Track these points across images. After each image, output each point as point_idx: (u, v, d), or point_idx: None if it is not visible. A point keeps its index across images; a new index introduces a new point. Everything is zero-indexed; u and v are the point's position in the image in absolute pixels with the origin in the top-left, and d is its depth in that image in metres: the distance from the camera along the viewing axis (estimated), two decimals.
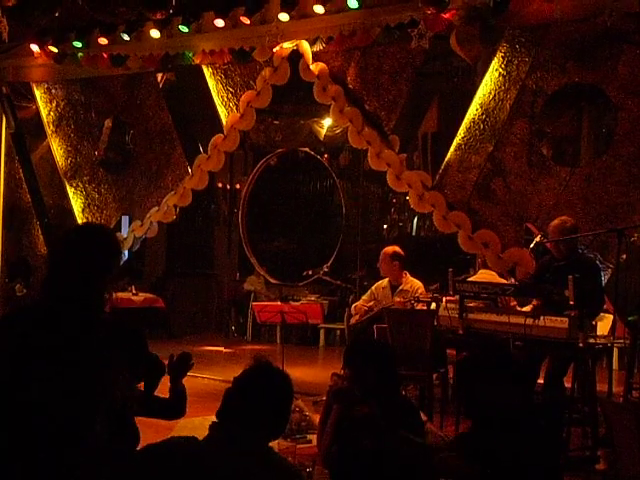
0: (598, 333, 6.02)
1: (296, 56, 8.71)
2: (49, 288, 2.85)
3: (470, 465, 3.10)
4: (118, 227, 10.65)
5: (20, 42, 10.10)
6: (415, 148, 12.81)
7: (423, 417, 4.43)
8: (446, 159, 8.11)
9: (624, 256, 6.12)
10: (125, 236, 10.17)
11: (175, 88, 10.68)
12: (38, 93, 10.90)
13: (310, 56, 8.61)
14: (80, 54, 9.99)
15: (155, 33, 9.36)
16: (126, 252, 10.20)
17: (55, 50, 10.11)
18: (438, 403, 6.96)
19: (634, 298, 6.29)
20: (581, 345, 5.56)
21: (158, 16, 8.74)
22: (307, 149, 13.35)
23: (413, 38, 7.74)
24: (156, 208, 9.94)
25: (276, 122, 13.45)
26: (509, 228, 7.75)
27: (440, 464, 3.12)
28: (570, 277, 5.58)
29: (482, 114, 7.82)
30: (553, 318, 5.66)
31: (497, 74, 7.70)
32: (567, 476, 5.34)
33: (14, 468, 2.65)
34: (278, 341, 11.98)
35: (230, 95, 9.37)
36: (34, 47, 10.17)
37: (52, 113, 10.86)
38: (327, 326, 12.47)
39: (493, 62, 7.72)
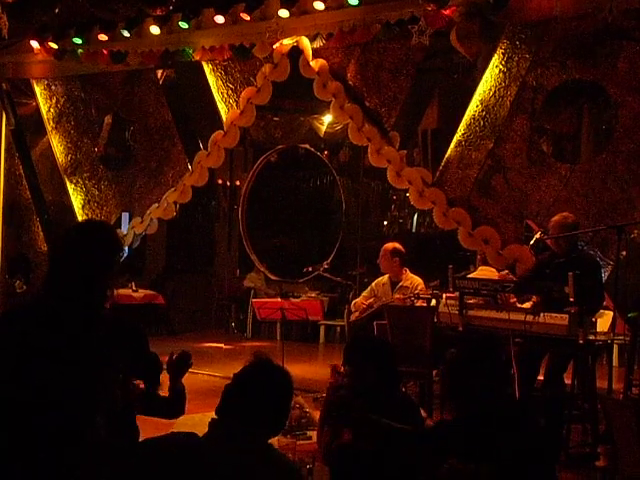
0: (598, 330, 6.02)
1: (296, 52, 8.70)
2: (50, 286, 2.85)
3: (478, 466, 3.12)
4: (118, 224, 10.64)
5: (20, 38, 10.08)
6: (415, 145, 12.79)
7: (423, 414, 4.44)
8: (446, 156, 8.11)
9: (624, 253, 6.12)
10: (125, 233, 10.16)
11: (175, 84, 10.67)
12: (38, 89, 10.89)
13: (310, 52, 8.60)
14: (80, 50, 9.98)
15: (155, 29, 9.35)
16: (126, 249, 10.19)
17: (55, 46, 10.10)
18: (438, 400, 6.96)
19: (634, 295, 6.29)
20: (581, 342, 5.56)
21: (158, 12, 8.72)
22: (307, 146, 13.33)
23: (413, 34, 7.73)
24: (156, 205, 9.94)
25: (276, 118, 13.45)
26: (509, 225, 7.75)
27: (450, 473, 3.14)
28: (570, 274, 5.58)
29: (482, 111, 7.81)
30: (553, 315, 5.66)
31: (497, 71, 7.70)
32: (567, 473, 5.37)
33: (14, 468, 2.65)
34: (278, 338, 11.99)
35: (230, 91, 9.36)
36: (34, 43, 10.16)
37: (52, 109, 10.85)
38: (327, 323, 12.48)
39: (493, 59, 7.72)
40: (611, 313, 6.88)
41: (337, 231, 13.64)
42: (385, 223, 15.52)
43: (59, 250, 2.93)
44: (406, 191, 8.74)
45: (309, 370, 9.37)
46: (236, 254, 15.29)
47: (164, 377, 3.78)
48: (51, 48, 10.13)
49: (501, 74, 7.69)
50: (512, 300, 6.27)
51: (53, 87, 10.83)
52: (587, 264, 6.20)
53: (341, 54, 8.56)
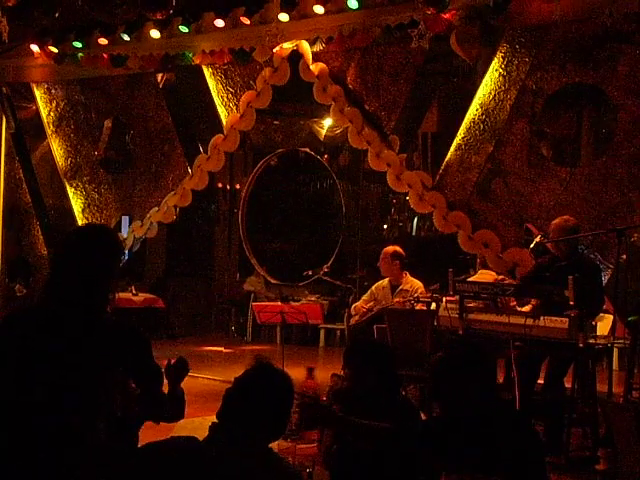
0: (598, 333, 6.03)
1: (296, 56, 8.70)
2: (51, 289, 2.85)
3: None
4: (118, 227, 10.65)
5: (20, 42, 10.10)
6: (415, 148, 12.80)
7: (423, 417, 4.44)
8: (446, 159, 8.11)
9: (624, 256, 6.11)
10: (125, 236, 10.17)
11: (175, 88, 10.67)
12: (38, 93, 10.90)
13: (310, 56, 8.61)
14: (80, 54, 9.99)
15: (155, 33, 9.36)
16: (126, 252, 10.20)
17: (55, 50, 10.11)
18: None
19: (634, 298, 6.28)
20: (581, 345, 5.56)
21: (158, 16, 8.73)
22: (307, 149, 13.34)
23: (413, 38, 7.74)
24: (156, 208, 9.94)
25: (276, 122, 13.46)
26: (509, 228, 7.75)
27: None
28: (570, 277, 5.58)
29: (482, 114, 7.81)
30: (553, 318, 5.65)
31: (497, 74, 7.70)
32: (567, 476, 5.36)
33: (14, 468, 2.66)
34: (278, 341, 11.98)
35: (230, 95, 9.37)
36: (34, 47, 10.17)
37: (52, 113, 10.86)
38: (327, 326, 12.47)
39: (493, 62, 7.72)
40: (611, 317, 6.88)
41: (337, 235, 13.64)
42: (385, 227, 15.53)
43: (60, 254, 2.94)
44: (406, 195, 8.74)
45: None
46: (236, 258, 15.30)
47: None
48: (51, 52, 10.14)
49: (501, 78, 7.69)
50: (512, 304, 6.27)
51: (53, 91, 10.83)
52: (587, 268, 6.20)
53: (341, 58, 8.56)
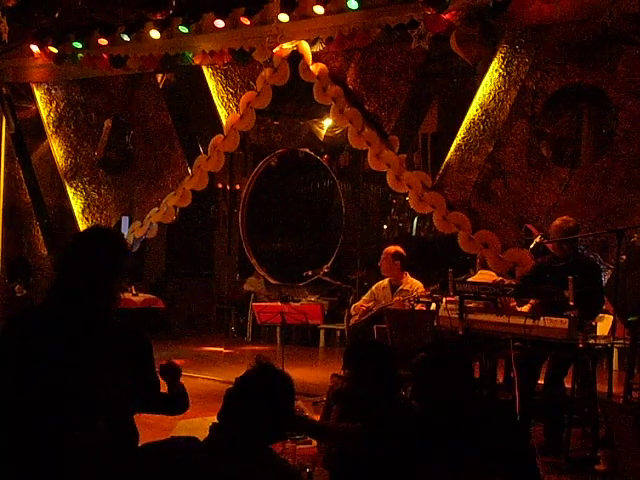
0: (598, 334, 6.03)
1: (296, 57, 8.70)
2: (55, 290, 2.86)
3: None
4: (118, 228, 10.64)
5: (20, 43, 10.10)
6: (415, 149, 12.81)
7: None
8: (446, 159, 8.11)
9: (624, 257, 6.12)
10: (125, 237, 10.17)
11: (175, 89, 10.67)
12: (38, 94, 10.90)
13: (310, 57, 8.60)
14: (80, 55, 9.98)
15: (155, 34, 9.35)
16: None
17: (55, 51, 10.11)
18: None
19: (634, 299, 6.28)
20: (581, 346, 5.55)
21: (158, 17, 8.74)
22: (307, 150, 13.34)
23: (413, 39, 7.74)
24: (156, 209, 9.94)
25: (276, 123, 13.47)
26: (509, 229, 7.75)
27: None
28: (570, 278, 5.57)
29: (482, 115, 7.81)
30: (553, 319, 5.65)
31: (497, 75, 7.70)
32: (567, 476, 5.37)
33: (14, 468, 2.66)
34: (278, 342, 11.98)
35: (230, 96, 9.36)
36: (34, 48, 10.17)
37: (52, 114, 10.86)
38: (327, 327, 12.48)
39: (493, 63, 7.72)
40: (611, 317, 6.88)
41: (337, 235, 13.64)
42: (385, 227, 15.54)
43: (64, 255, 2.95)
44: (406, 195, 8.74)
45: (309, 374, 9.37)
46: (236, 258, 15.30)
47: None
48: (51, 52, 10.14)
49: (501, 78, 7.69)
50: (512, 304, 6.27)
51: (53, 91, 10.83)
52: (587, 268, 6.20)
53: (341, 58, 8.56)
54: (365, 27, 8.17)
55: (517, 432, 3.40)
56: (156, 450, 2.72)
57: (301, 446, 4.83)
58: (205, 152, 9.61)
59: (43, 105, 10.90)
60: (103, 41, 9.74)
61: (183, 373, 3.48)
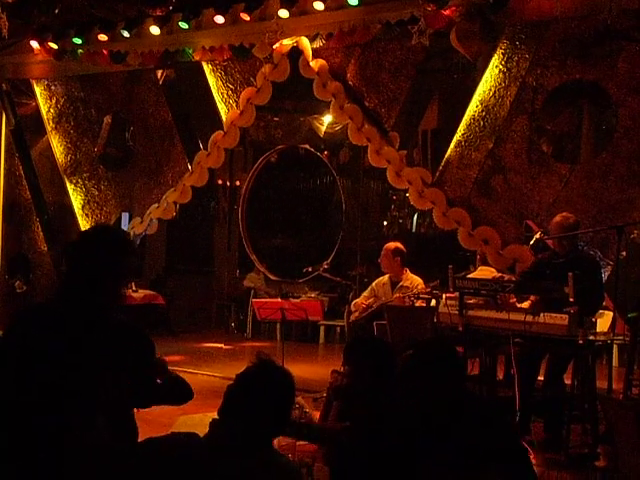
0: (598, 330, 6.02)
1: (296, 53, 8.70)
2: (57, 289, 2.87)
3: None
4: (118, 224, 10.64)
5: (20, 39, 10.10)
6: (415, 145, 12.80)
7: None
8: (446, 156, 8.11)
9: (624, 253, 6.12)
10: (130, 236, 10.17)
11: (175, 85, 10.67)
12: (38, 90, 10.90)
13: (310, 53, 8.60)
14: (80, 51, 9.98)
15: (155, 30, 9.35)
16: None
17: (55, 47, 10.10)
18: None
19: (634, 295, 6.29)
20: (581, 342, 5.56)
21: (158, 13, 8.74)
22: (307, 146, 13.33)
23: (413, 35, 7.73)
24: (156, 205, 9.94)
25: (276, 119, 13.46)
26: (509, 225, 7.75)
27: None
28: (570, 274, 5.57)
29: (482, 111, 7.81)
30: (553, 315, 5.65)
31: (497, 71, 7.70)
32: (567, 473, 5.37)
33: (14, 468, 2.66)
34: (278, 338, 11.98)
35: (230, 92, 9.36)
36: (34, 44, 10.16)
37: (52, 110, 10.86)
38: (327, 323, 12.47)
39: (493, 59, 7.72)
40: (611, 313, 6.88)
41: (337, 231, 13.63)
42: (385, 223, 15.52)
43: (67, 254, 2.96)
44: (406, 191, 8.74)
45: (309, 370, 9.36)
46: (236, 254, 15.28)
47: None
48: (51, 48, 10.13)
49: (501, 74, 7.69)
50: (512, 300, 6.27)
51: (53, 87, 10.83)
52: (587, 264, 6.19)
53: (341, 54, 8.56)
54: (365, 23, 8.17)
55: (509, 431, 3.38)
56: (156, 446, 2.72)
57: (301, 442, 4.83)
58: (205, 148, 9.61)
59: (43, 101, 10.90)
60: (103, 37, 9.74)
61: (184, 369, 3.49)
